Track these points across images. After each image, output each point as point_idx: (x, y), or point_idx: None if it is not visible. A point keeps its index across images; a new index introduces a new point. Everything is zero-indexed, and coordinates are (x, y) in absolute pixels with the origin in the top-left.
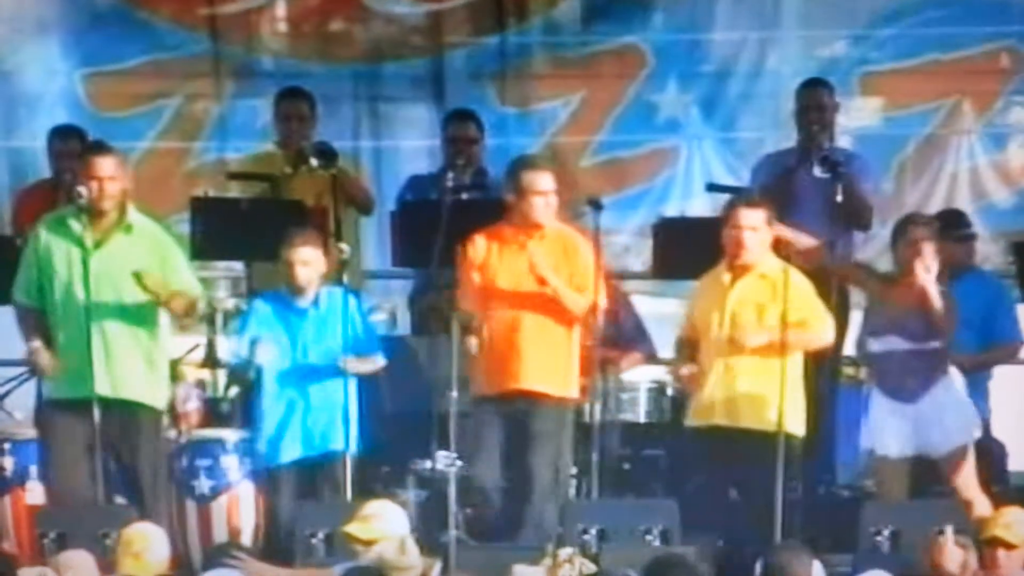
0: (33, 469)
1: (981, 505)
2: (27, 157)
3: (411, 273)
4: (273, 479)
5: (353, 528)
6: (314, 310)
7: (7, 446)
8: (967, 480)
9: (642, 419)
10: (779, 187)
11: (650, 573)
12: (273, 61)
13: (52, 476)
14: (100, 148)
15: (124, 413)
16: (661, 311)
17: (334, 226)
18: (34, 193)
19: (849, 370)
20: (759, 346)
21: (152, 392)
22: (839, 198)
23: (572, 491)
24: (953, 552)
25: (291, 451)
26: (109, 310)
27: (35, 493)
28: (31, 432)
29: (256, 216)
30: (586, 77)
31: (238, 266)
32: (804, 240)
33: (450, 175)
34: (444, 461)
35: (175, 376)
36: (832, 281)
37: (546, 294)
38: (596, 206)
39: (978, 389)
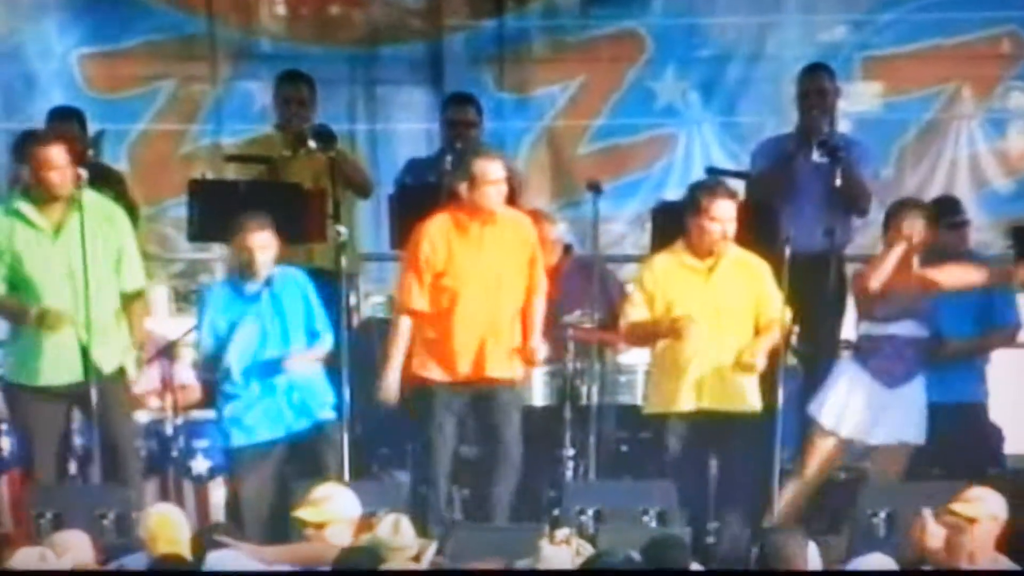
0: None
1: None
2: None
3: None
4: (244, 462)
5: (303, 512)
6: (267, 291)
7: (4, 427)
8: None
9: (639, 401)
10: (778, 172)
11: (647, 554)
12: (271, 43)
13: (33, 464)
14: (48, 137)
15: (105, 392)
16: None
17: (332, 208)
18: None
19: (846, 354)
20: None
21: (124, 361)
22: (838, 183)
23: (569, 473)
24: (934, 530)
25: (268, 431)
26: (79, 293)
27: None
28: None
29: (254, 199)
30: (585, 61)
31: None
32: (970, 275)
33: (448, 159)
34: None
35: (172, 356)
36: (829, 265)
37: (498, 278)
38: (596, 190)
39: (976, 373)
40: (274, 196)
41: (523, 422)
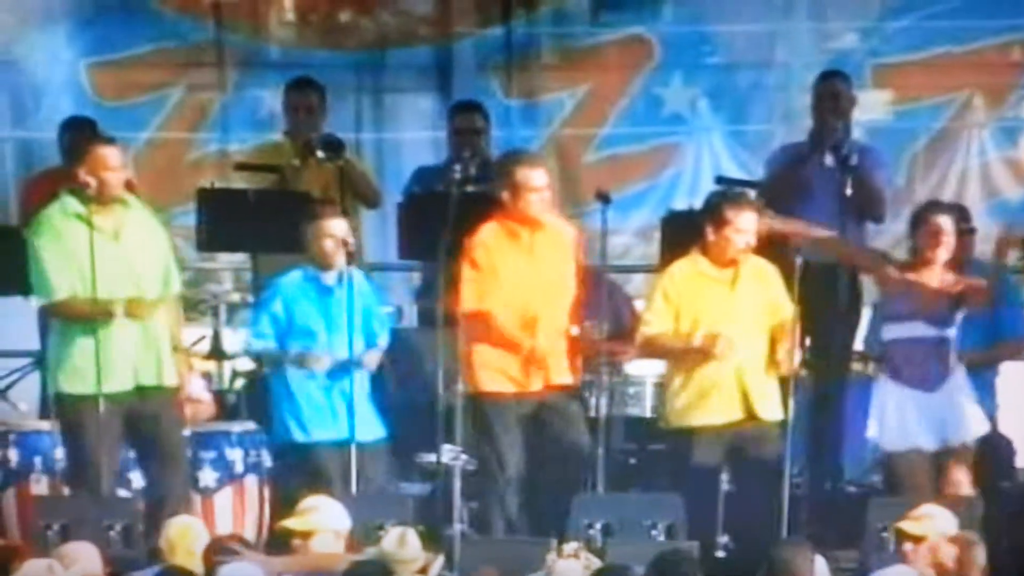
0: (38, 461)
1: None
2: (33, 146)
3: (413, 266)
4: (299, 461)
5: (289, 522)
6: (339, 289)
7: (12, 437)
8: (964, 476)
9: (648, 414)
10: (791, 178)
11: (655, 568)
12: (279, 51)
13: (78, 473)
14: (106, 140)
15: (157, 396)
16: None
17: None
18: (44, 182)
19: (858, 365)
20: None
21: (173, 375)
22: (848, 190)
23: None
24: (948, 549)
25: (326, 432)
26: (143, 295)
27: (40, 485)
28: (36, 424)
29: (263, 207)
30: (592, 68)
31: (241, 257)
32: (818, 231)
33: (456, 167)
34: (449, 455)
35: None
36: (842, 276)
37: (550, 287)
38: (604, 200)
39: (985, 385)
40: (283, 205)
41: None
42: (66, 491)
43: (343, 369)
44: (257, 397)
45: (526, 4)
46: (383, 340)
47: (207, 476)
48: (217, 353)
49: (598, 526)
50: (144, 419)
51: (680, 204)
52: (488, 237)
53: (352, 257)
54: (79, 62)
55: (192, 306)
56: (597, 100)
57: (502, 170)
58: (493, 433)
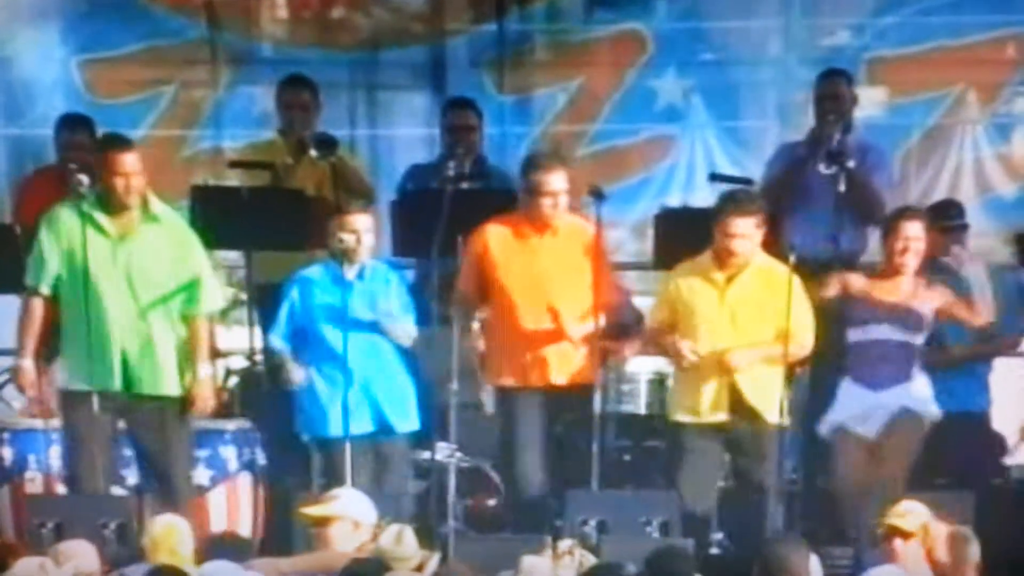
0: (32, 459)
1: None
2: (25, 144)
3: (407, 263)
4: (325, 454)
5: (309, 508)
6: (359, 283)
7: (6, 436)
8: (898, 472)
9: (642, 410)
10: (789, 179)
11: (650, 565)
12: (271, 48)
13: (75, 470)
14: (123, 143)
15: (154, 404)
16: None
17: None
18: (39, 181)
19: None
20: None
21: (179, 381)
22: (841, 188)
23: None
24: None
25: (342, 426)
26: (139, 301)
27: (34, 483)
28: (30, 422)
29: (257, 205)
30: (586, 64)
31: (236, 255)
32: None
33: (450, 164)
34: (444, 452)
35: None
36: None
37: (553, 287)
38: (598, 195)
39: (978, 381)
40: (277, 202)
41: None
42: (60, 489)
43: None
44: (251, 395)
45: (519, 0)
46: (409, 325)
47: (201, 474)
48: (212, 351)
49: (592, 523)
50: (141, 425)
51: (674, 201)
52: (493, 232)
53: (346, 254)
54: (72, 60)
55: None
56: (590, 96)
57: (522, 170)
58: (507, 424)
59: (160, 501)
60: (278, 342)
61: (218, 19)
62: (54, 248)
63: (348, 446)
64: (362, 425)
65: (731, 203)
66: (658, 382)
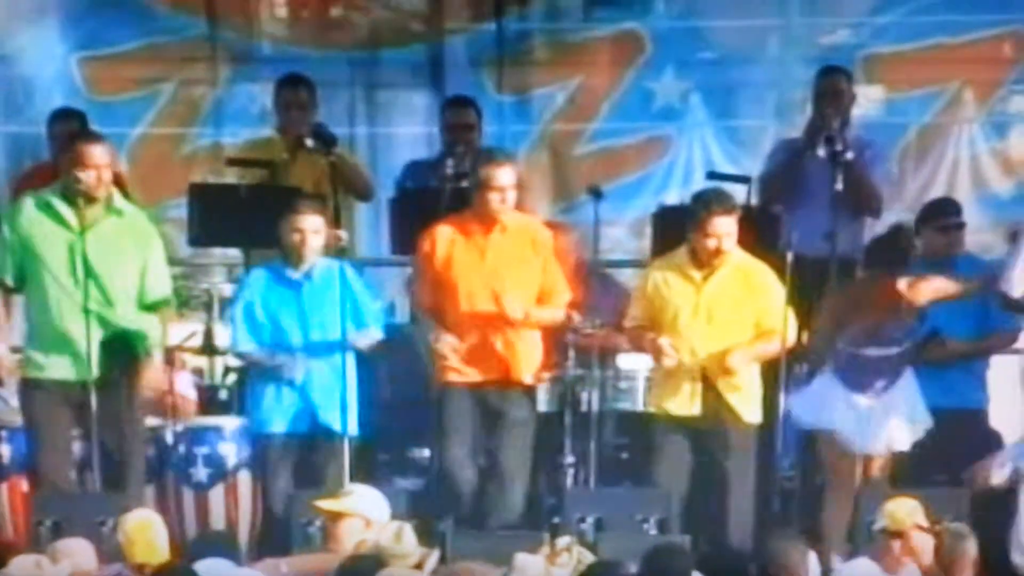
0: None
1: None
2: (24, 141)
3: (407, 260)
4: (266, 454)
5: (323, 502)
6: (307, 282)
7: (4, 434)
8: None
9: (639, 408)
10: (788, 173)
11: (648, 562)
12: (271, 46)
13: (38, 460)
14: (93, 136)
15: (111, 395)
16: None
17: (333, 213)
18: (34, 177)
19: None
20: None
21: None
22: (839, 184)
23: (569, 480)
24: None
25: (283, 424)
26: (100, 293)
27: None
28: None
29: (254, 202)
30: (584, 64)
31: (234, 252)
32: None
33: (449, 162)
34: None
35: (171, 362)
36: (833, 270)
37: (500, 285)
38: (596, 194)
39: (976, 378)
40: (274, 200)
41: None
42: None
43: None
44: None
45: (518, 0)
46: (375, 330)
47: (200, 472)
48: (209, 349)
49: (590, 520)
50: (98, 414)
51: (672, 199)
52: (439, 232)
53: (344, 251)
54: (71, 57)
55: (184, 302)
56: (589, 95)
57: (473, 167)
58: (444, 423)
59: (112, 490)
60: (246, 345)
61: (218, 17)
62: (15, 239)
63: (347, 443)
64: (297, 424)
65: (713, 202)
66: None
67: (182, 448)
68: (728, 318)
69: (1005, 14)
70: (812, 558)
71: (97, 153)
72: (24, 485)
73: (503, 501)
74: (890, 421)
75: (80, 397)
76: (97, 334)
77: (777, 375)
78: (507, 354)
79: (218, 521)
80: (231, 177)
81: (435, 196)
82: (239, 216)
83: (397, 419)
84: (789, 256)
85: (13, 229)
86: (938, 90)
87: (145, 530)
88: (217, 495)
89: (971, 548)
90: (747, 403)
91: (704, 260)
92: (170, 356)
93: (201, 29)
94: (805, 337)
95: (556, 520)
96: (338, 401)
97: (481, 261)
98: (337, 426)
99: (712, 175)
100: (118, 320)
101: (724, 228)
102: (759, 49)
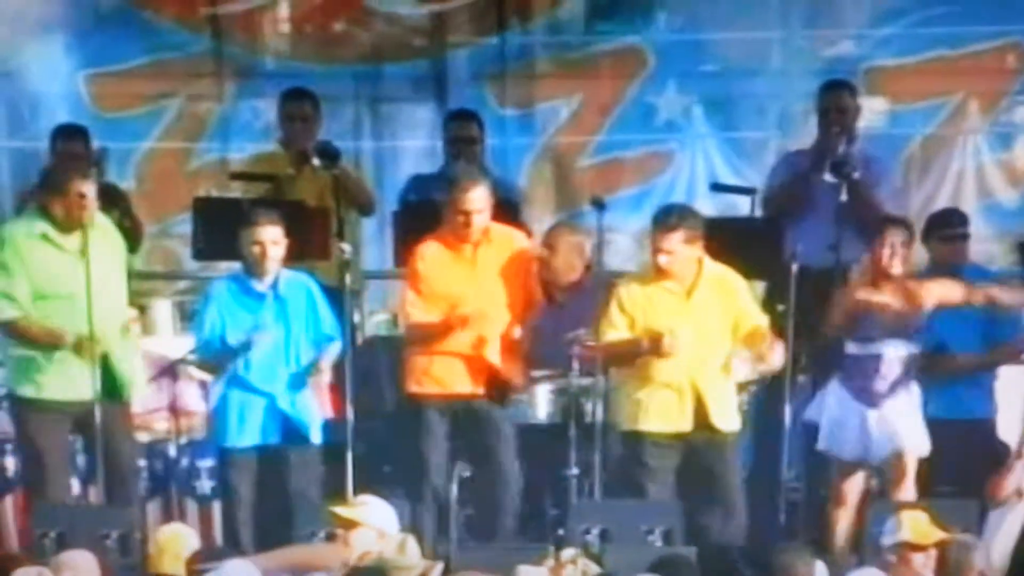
0: None
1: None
2: (30, 158)
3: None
4: (230, 465)
5: (339, 508)
6: (272, 293)
7: (8, 446)
8: (908, 492)
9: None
10: (793, 189)
11: (656, 573)
12: (275, 61)
13: (41, 479)
14: (82, 173)
15: (111, 411)
16: None
17: (337, 226)
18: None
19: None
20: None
21: (134, 388)
22: (844, 198)
23: (574, 492)
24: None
25: (249, 437)
26: (101, 312)
27: None
28: None
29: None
30: (587, 78)
31: (238, 266)
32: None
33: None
34: None
35: (175, 375)
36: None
37: (491, 296)
38: (599, 206)
39: (983, 389)
40: (278, 214)
41: (527, 440)
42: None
43: (269, 376)
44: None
45: (521, 14)
46: (333, 347)
47: (203, 485)
48: None
49: (595, 532)
50: (93, 430)
51: None
52: (429, 249)
53: (347, 264)
54: (77, 73)
55: (188, 316)
56: (591, 109)
57: (446, 188)
58: (422, 438)
59: (110, 503)
60: (207, 347)
61: (222, 33)
62: (13, 272)
63: (350, 455)
64: (267, 435)
65: (658, 219)
66: (616, 390)
67: (185, 461)
68: (712, 329)
69: (1008, 25)
70: (818, 569)
71: (91, 191)
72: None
73: (502, 507)
74: (899, 427)
75: (80, 415)
76: (113, 350)
77: (781, 382)
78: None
79: (221, 534)
80: (236, 191)
81: (438, 209)
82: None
83: (400, 431)
84: (794, 267)
85: (14, 261)
86: (942, 101)
87: (176, 542)
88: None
89: (978, 559)
90: (727, 412)
91: (661, 274)
92: (175, 369)
93: (206, 45)
94: (805, 347)
95: (561, 532)
96: (307, 410)
97: (472, 274)
98: (308, 435)
99: (716, 187)
100: (118, 338)
101: (667, 244)
102: (761, 61)
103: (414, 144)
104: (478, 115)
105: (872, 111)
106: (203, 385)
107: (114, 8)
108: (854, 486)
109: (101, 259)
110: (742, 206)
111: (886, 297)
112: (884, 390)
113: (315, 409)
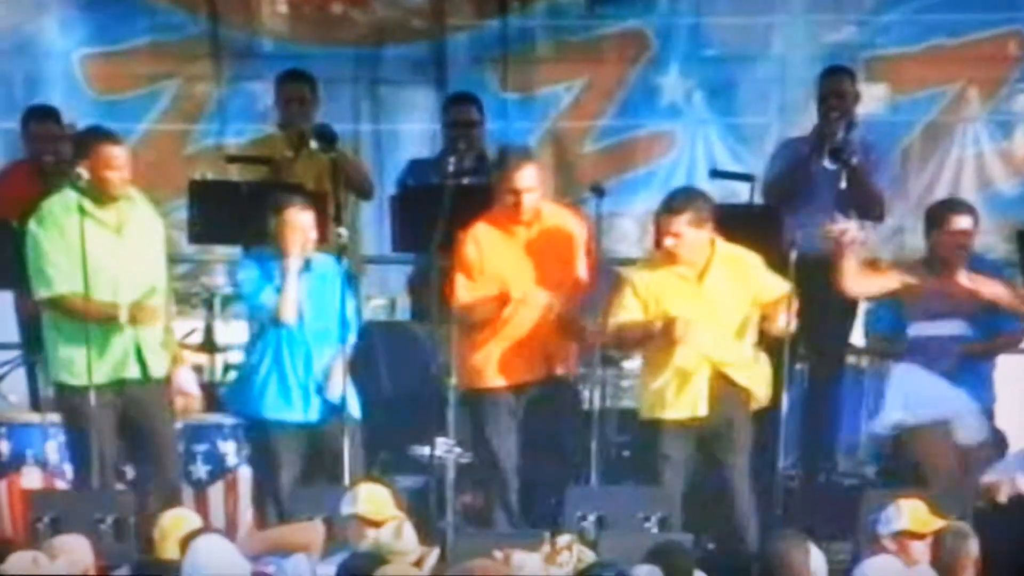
0: (29, 453)
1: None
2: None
3: (409, 258)
4: (271, 445)
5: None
6: (306, 273)
7: (2, 430)
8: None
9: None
10: (793, 176)
11: (650, 561)
12: (273, 43)
13: (88, 464)
14: (113, 137)
15: (151, 392)
16: None
17: (334, 210)
18: (14, 176)
19: (852, 359)
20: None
21: (162, 368)
22: (843, 185)
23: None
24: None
25: (283, 411)
26: (140, 291)
27: (31, 477)
28: (27, 416)
29: (255, 200)
30: (589, 61)
31: (237, 250)
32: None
33: (451, 159)
34: (443, 447)
35: (174, 359)
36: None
37: (545, 278)
38: (598, 192)
39: (982, 378)
40: (275, 197)
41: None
42: (59, 484)
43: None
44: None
45: None
46: (351, 336)
47: (199, 469)
48: (209, 346)
49: (591, 518)
50: (133, 412)
51: None
52: (481, 231)
53: (345, 249)
54: (73, 54)
55: (184, 299)
56: (593, 93)
57: (497, 165)
58: (486, 428)
59: (157, 492)
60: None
61: (219, 14)
62: (58, 247)
63: (346, 432)
64: (306, 412)
65: (663, 204)
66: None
67: (181, 445)
68: (729, 310)
69: (1009, 13)
70: (815, 556)
71: (121, 154)
72: (22, 481)
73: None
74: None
75: (115, 398)
76: (150, 329)
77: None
78: (552, 350)
79: (218, 518)
80: (232, 174)
81: (437, 194)
82: (240, 213)
83: (398, 417)
84: (793, 255)
85: (51, 238)
86: (942, 89)
87: (178, 527)
88: (217, 492)
89: (973, 547)
90: (760, 383)
91: (675, 259)
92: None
93: (203, 27)
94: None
95: (557, 518)
96: (342, 388)
97: (524, 256)
98: (347, 412)
99: (715, 173)
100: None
101: (673, 227)
102: (763, 47)
103: (413, 127)
104: (478, 99)
105: (872, 98)
106: (198, 369)
107: None
108: (944, 453)
109: (143, 235)
110: (742, 193)
111: (945, 283)
112: (952, 366)
113: (348, 385)
